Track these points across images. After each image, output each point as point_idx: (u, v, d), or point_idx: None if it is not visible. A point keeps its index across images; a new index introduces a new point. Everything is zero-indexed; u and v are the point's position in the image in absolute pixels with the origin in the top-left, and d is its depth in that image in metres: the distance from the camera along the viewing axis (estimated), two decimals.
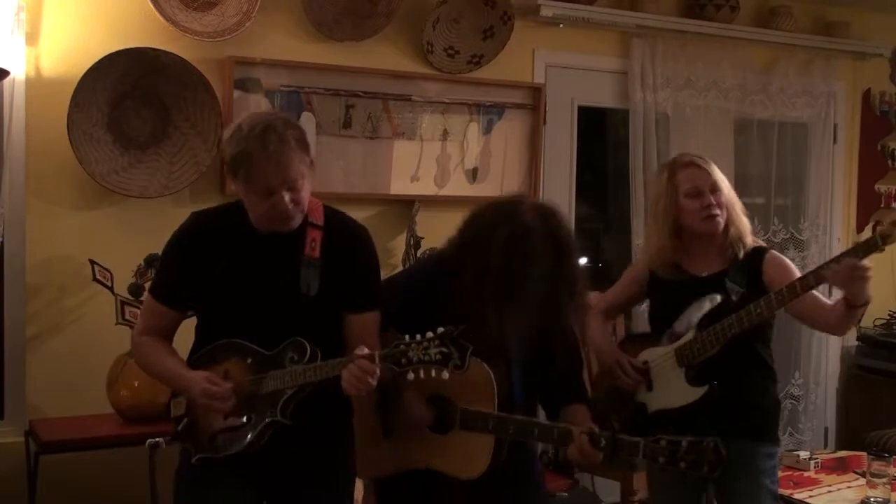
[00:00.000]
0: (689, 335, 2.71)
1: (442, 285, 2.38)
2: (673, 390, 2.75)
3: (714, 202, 2.77)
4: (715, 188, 2.79)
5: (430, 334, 2.09)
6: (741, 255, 2.77)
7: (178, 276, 2.35)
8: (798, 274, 2.71)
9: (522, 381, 2.47)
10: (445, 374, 2.09)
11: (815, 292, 2.66)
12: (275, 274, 2.29)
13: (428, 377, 2.13)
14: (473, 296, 2.31)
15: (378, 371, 2.15)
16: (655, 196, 2.89)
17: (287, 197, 2.21)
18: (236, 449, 2.26)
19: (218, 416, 2.29)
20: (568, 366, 2.58)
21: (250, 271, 2.29)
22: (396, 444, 2.50)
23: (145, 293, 2.52)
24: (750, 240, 2.82)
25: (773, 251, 2.85)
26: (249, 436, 2.26)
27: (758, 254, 2.79)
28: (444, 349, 2.06)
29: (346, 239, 2.36)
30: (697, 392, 2.70)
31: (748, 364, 2.75)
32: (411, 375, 2.13)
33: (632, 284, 3.01)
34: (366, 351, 2.15)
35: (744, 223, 2.83)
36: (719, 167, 2.84)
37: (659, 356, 2.79)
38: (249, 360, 2.29)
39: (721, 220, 2.78)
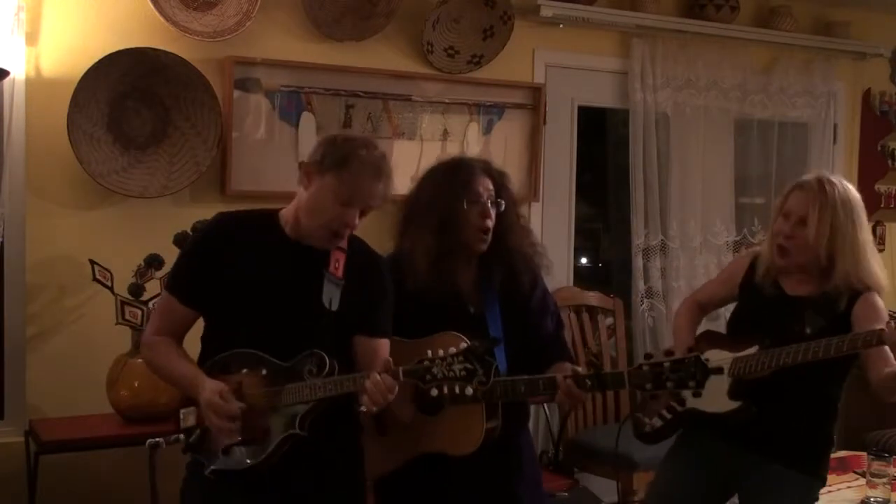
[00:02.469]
0: (752, 350, 2.61)
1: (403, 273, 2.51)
2: (711, 396, 2.58)
3: (789, 233, 2.59)
4: (803, 219, 2.57)
5: (452, 350, 2.10)
6: (841, 298, 2.57)
7: (198, 271, 2.33)
8: (885, 323, 2.51)
9: (506, 352, 2.51)
10: (469, 391, 2.12)
11: (887, 349, 2.46)
12: (297, 285, 2.29)
13: (451, 392, 2.16)
14: (428, 230, 2.50)
15: (397, 388, 2.16)
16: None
17: (356, 216, 2.26)
18: (253, 462, 2.24)
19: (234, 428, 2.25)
20: (547, 329, 2.66)
21: (273, 279, 2.28)
22: (392, 439, 2.52)
23: (161, 292, 2.50)
24: (865, 284, 2.57)
25: (874, 293, 2.59)
26: (268, 449, 2.23)
27: (858, 292, 2.58)
28: (468, 365, 2.07)
29: (366, 263, 2.40)
30: (729, 405, 2.61)
31: (810, 397, 2.63)
32: (435, 391, 2.15)
33: (727, 281, 2.90)
34: (389, 366, 2.16)
35: (860, 267, 2.56)
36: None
37: (720, 358, 2.67)
38: (264, 372, 2.26)
39: (793, 257, 2.60)
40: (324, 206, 2.25)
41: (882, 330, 2.37)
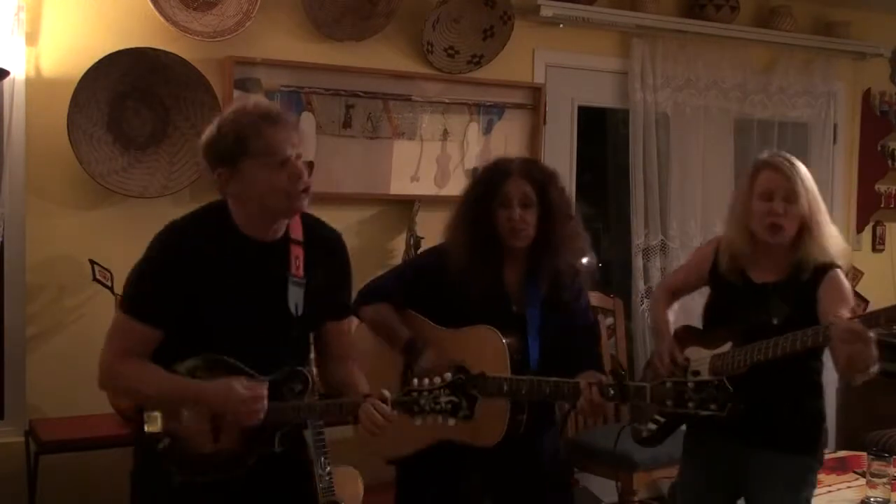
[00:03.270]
0: (725, 347, 2.66)
1: (445, 265, 2.59)
2: None
3: (781, 210, 2.60)
4: (791, 197, 2.60)
5: (438, 380, 2.15)
6: (806, 274, 2.60)
7: (164, 292, 2.18)
8: (851, 301, 2.57)
9: (540, 353, 2.57)
10: (452, 422, 2.16)
11: None
12: (264, 292, 2.23)
13: (435, 422, 2.19)
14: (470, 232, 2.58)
15: (395, 413, 2.17)
16: (736, 194, 2.79)
17: (298, 163, 2.18)
18: (226, 476, 2.20)
19: (207, 438, 2.19)
20: (585, 342, 2.71)
21: (239, 288, 2.20)
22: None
23: (117, 314, 2.28)
24: (828, 260, 2.61)
25: (838, 270, 2.62)
26: (244, 464, 2.21)
27: (822, 270, 2.60)
28: (453, 398, 2.14)
29: (325, 253, 2.35)
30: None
31: (790, 377, 2.64)
32: (419, 421, 2.18)
33: (694, 271, 2.93)
34: (384, 396, 2.18)
35: (825, 243, 2.62)
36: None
37: (700, 358, 2.74)
38: None
39: (786, 233, 2.62)
40: (267, 183, 2.15)
41: (827, 327, 2.40)
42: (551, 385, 2.44)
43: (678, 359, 2.79)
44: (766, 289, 2.67)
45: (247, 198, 2.20)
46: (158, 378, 2.18)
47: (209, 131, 2.23)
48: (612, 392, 2.37)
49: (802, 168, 2.67)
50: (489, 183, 2.60)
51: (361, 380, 2.34)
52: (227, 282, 2.19)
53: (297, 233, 2.29)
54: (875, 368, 2.39)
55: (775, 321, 2.60)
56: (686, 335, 2.87)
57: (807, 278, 2.61)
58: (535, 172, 2.61)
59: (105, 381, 2.27)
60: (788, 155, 2.71)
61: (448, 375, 2.16)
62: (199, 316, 2.19)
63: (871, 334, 2.32)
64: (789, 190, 2.61)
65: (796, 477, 2.70)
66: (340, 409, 2.22)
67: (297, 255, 2.27)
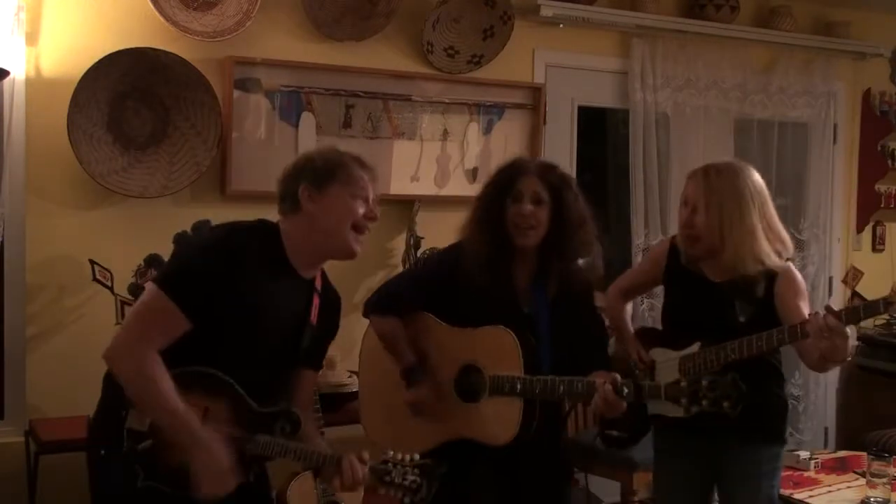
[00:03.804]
0: (694, 347, 2.67)
1: (459, 262, 2.61)
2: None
3: (684, 220, 2.68)
4: (696, 208, 2.65)
5: (408, 458, 2.17)
6: (760, 283, 2.62)
7: (210, 286, 2.15)
8: (806, 296, 2.62)
9: (550, 355, 2.57)
10: (407, 500, 2.19)
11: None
12: (286, 326, 2.31)
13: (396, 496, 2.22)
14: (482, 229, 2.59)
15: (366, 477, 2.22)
16: None
17: (373, 206, 2.34)
18: (197, 497, 2.16)
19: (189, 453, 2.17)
20: (594, 343, 2.71)
21: (269, 313, 2.24)
22: (430, 419, 2.60)
23: (153, 291, 2.16)
24: (765, 264, 2.61)
25: (789, 265, 2.66)
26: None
27: (773, 273, 2.64)
28: (418, 479, 2.16)
29: (331, 309, 2.46)
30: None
31: (752, 369, 2.62)
32: (383, 491, 2.21)
33: (650, 270, 2.96)
34: (366, 455, 2.22)
35: (751, 249, 2.60)
36: None
37: (666, 359, 2.75)
38: (233, 406, 2.22)
39: (700, 243, 2.65)
40: (343, 212, 2.27)
41: (804, 324, 2.45)
42: (565, 384, 2.45)
43: (644, 357, 2.82)
44: (725, 288, 2.68)
45: (319, 221, 2.28)
46: (174, 399, 2.12)
47: (296, 159, 2.37)
48: (626, 390, 2.37)
49: (725, 181, 2.64)
50: (504, 178, 2.62)
51: (322, 439, 2.44)
52: (261, 303, 2.23)
53: (319, 283, 2.39)
54: (849, 357, 2.46)
55: (742, 318, 2.63)
56: (647, 337, 2.90)
57: (762, 283, 2.64)
58: (551, 175, 2.61)
59: (116, 358, 2.15)
60: (721, 164, 2.70)
61: (417, 456, 2.18)
62: (230, 328, 2.19)
63: (849, 329, 2.37)
64: (694, 201, 2.66)
65: (767, 465, 2.73)
66: (323, 460, 2.23)
67: (316, 303, 2.36)
